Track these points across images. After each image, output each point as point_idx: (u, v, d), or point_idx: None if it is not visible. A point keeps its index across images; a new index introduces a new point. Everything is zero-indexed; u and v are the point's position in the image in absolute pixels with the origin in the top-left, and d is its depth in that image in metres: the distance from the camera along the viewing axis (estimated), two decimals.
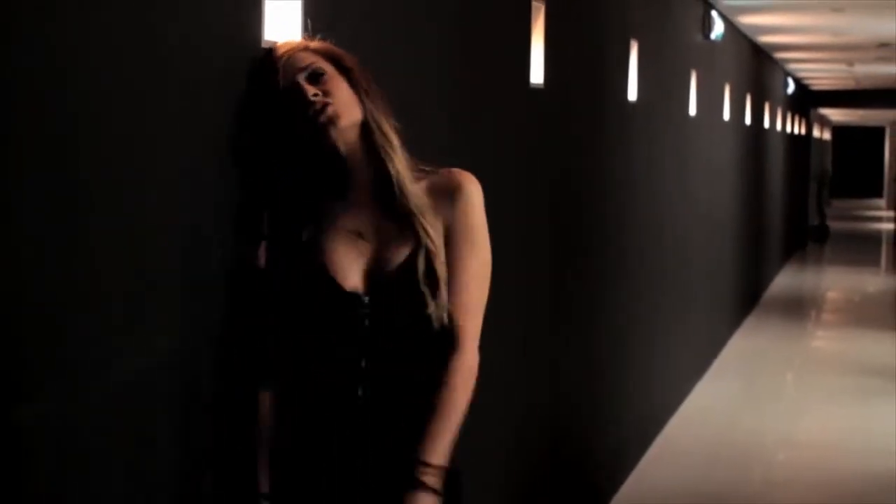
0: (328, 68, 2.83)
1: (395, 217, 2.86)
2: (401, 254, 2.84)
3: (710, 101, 10.74)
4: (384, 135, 2.87)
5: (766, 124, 16.27)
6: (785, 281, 18.40)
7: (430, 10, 4.09)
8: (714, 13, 10.49)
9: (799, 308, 16.09)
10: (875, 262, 23.14)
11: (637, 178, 7.74)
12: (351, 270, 2.82)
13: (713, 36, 10.45)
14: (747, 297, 14.45)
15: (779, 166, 18.59)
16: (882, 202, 42.42)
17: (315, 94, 2.79)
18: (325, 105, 2.79)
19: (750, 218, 14.42)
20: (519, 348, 5.13)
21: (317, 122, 2.79)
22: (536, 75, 5.23)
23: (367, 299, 2.82)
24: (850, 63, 18.39)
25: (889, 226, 30.04)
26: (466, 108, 4.42)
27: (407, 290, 2.83)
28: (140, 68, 2.44)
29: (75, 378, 2.28)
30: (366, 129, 2.85)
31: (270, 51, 2.85)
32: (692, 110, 9.72)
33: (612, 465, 7.22)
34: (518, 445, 5.23)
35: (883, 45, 15.09)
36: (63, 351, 2.25)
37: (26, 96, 2.13)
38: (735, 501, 7.19)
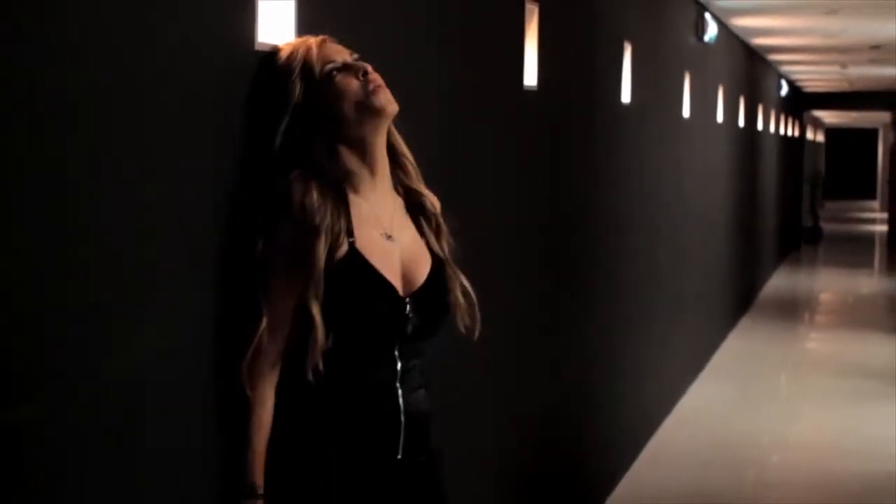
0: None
1: (411, 212, 2.96)
2: (425, 258, 2.94)
3: (703, 103, 10.75)
4: (400, 139, 2.99)
5: (760, 126, 16.28)
6: (779, 282, 18.42)
7: (424, 11, 4.09)
8: (707, 15, 10.50)
9: (793, 310, 16.10)
10: (868, 264, 23.16)
11: (631, 179, 7.74)
12: (394, 275, 2.87)
13: (707, 38, 10.46)
14: (741, 298, 14.46)
15: (772, 168, 18.60)
16: (875, 204, 42.43)
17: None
18: (377, 82, 2.85)
19: (744, 219, 14.43)
20: (512, 349, 5.13)
21: (370, 90, 2.83)
22: (530, 77, 5.23)
23: (409, 304, 2.88)
24: (844, 65, 18.42)
25: (882, 227, 30.04)
26: (460, 110, 4.42)
27: (438, 296, 2.93)
28: (134, 67, 2.44)
29: (71, 378, 2.28)
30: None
31: (288, 51, 2.87)
32: (686, 112, 9.73)
33: (607, 467, 7.22)
34: (512, 446, 5.23)
35: (876, 47, 15.11)
36: (58, 351, 2.25)
37: (20, 95, 2.13)
38: (729, 502, 7.19)
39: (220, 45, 2.77)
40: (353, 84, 2.85)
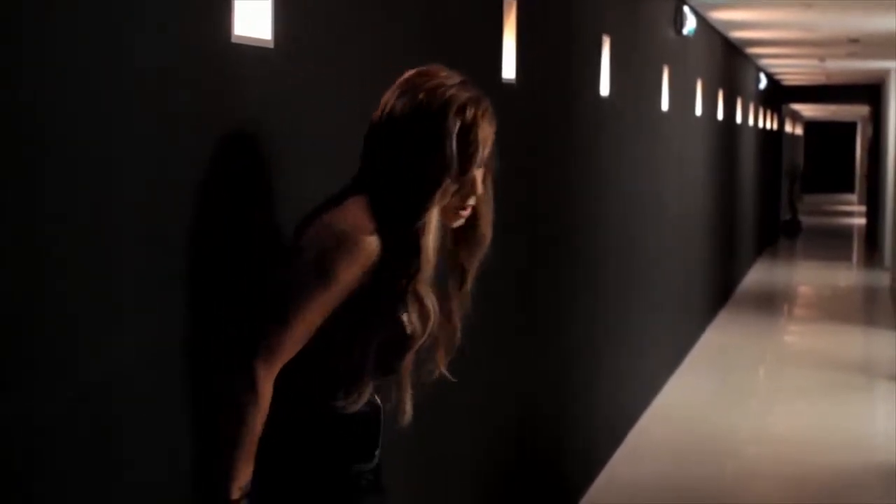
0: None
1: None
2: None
3: (682, 96, 10.76)
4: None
5: (739, 119, 16.31)
6: (757, 276, 18.46)
7: (402, 4, 4.07)
8: (686, 9, 10.51)
9: (771, 303, 16.13)
10: (847, 257, 23.23)
11: (609, 172, 7.74)
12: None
13: (685, 31, 10.46)
14: (719, 292, 14.49)
15: (751, 161, 18.64)
16: (854, 197, 42.59)
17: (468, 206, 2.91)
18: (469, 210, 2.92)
19: (722, 213, 14.45)
20: (489, 345, 5.12)
21: (453, 220, 2.92)
22: (508, 70, 5.22)
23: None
24: (822, 58, 18.46)
25: (860, 221, 30.16)
26: None
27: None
28: (107, 64, 2.42)
29: (46, 377, 2.26)
30: None
31: (464, 101, 2.87)
32: (664, 105, 9.73)
33: (585, 461, 7.22)
34: (489, 442, 5.23)
35: (854, 40, 15.15)
36: (33, 349, 2.23)
37: None
38: (707, 496, 7.20)
39: (197, 38, 2.75)
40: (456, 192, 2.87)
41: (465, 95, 2.87)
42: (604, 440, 7.74)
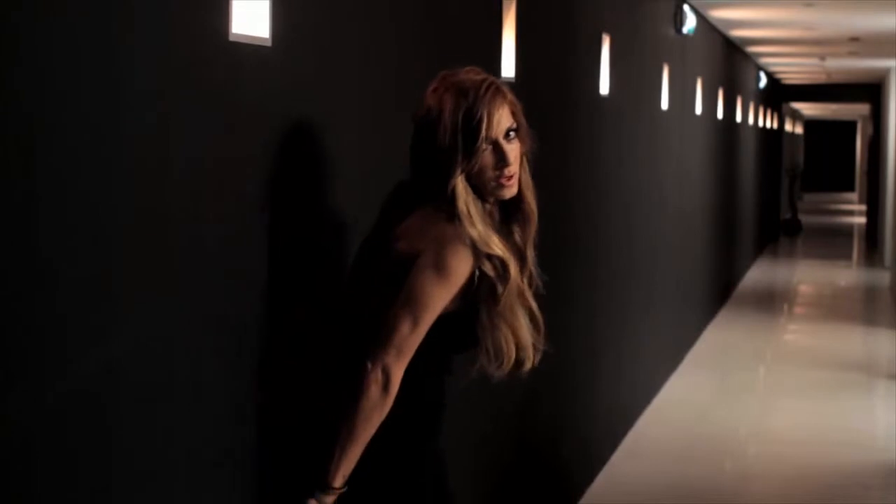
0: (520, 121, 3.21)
1: None
2: None
3: (682, 95, 10.75)
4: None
5: (739, 118, 16.30)
6: (757, 274, 18.45)
7: (400, 3, 4.07)
8: (686, 7, 10.50)
9: (771, 301, 16.13)
10: (847, 256, 23.21)
11: (608, 171, 7.73)
12: None
13: (685, 30, 10.45)
14: (720, 290, 14.48)
15: (751, 160, 18.63)
16: (854, 196, 42.58)
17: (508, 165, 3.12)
18: (511, 178, 3.13)
19: (722, 211, 14.44)
20: None
21: (497, 190, 3.12)
22: (508, 69, 5.21)
23: None
24: (822, 57, 18.45)
25: (861, 219, 30.14)
26: None
27: None
28: (105, 63, 2.41)
29: (39, 374, 2.26)
30: None
31: (474, 83, 3.13)
32: (664, 104, 9.72)
33: (585, 459, 7.22)
34: (489, 440, 5.22)
35: (854, 39, 15.14)
36: (28, 346, 2.23)
37: None
38: (707, 495, 7.19)
39: (194, 36, 2.74)
40: (489, 163, 3.09)
41: (470, 79, 3.12)
42: (603, 439, 7.73)
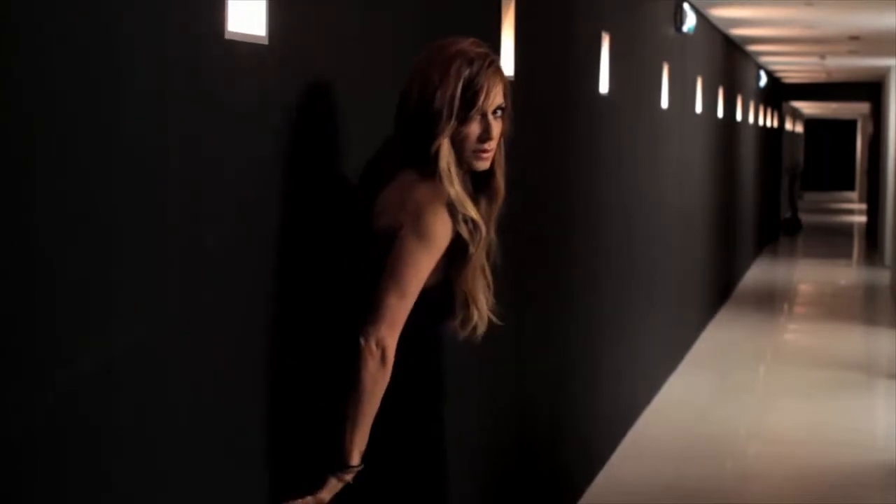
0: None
1: None
2: None
3: (682, 93, 10.74)
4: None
5: (739, 117, 16.29)
6: (757, 274, 18.45)
7: (399, 0, 4.05)
8: (686, 6, 10.49)
9: (771, 301, 16.12)
10: (847, 255, 23.21)
11: (608, 170, 7.72)
12: None
13: (685, 29, 10.44)
14: (719, 289, 14.47)
15: (751, 159, 18.62)
16: (854, 195, 42.59)
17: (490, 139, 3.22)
18: (488, 152, 3.22)
19: (722, 211, 14.43)
20: (489, 342, 5.09)
21: (473, 160, 3.21)
22: (507, 67, 5.19)
23: None
24: (822, 56, 18.44)
25: (861, 218, 30.15)
26: None
27: None
28: (101, 61, 2.40)
29: (39, 374, 2.24)
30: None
31: (473, 56, 3.20)
32: (664, 103, 9.71)
33: (585, 459, 7.20)
34: (490, 440, 5.21)
35: (854, 38, 15.13)
36: (27, 346, 2.21)
37: None
38: (707, 495, 7.18)
39: (191, 34, 2.73)
40: (474, 133, 3.19)
41: (475, 50, 3.21)
42: (603, 439, 7.72)
